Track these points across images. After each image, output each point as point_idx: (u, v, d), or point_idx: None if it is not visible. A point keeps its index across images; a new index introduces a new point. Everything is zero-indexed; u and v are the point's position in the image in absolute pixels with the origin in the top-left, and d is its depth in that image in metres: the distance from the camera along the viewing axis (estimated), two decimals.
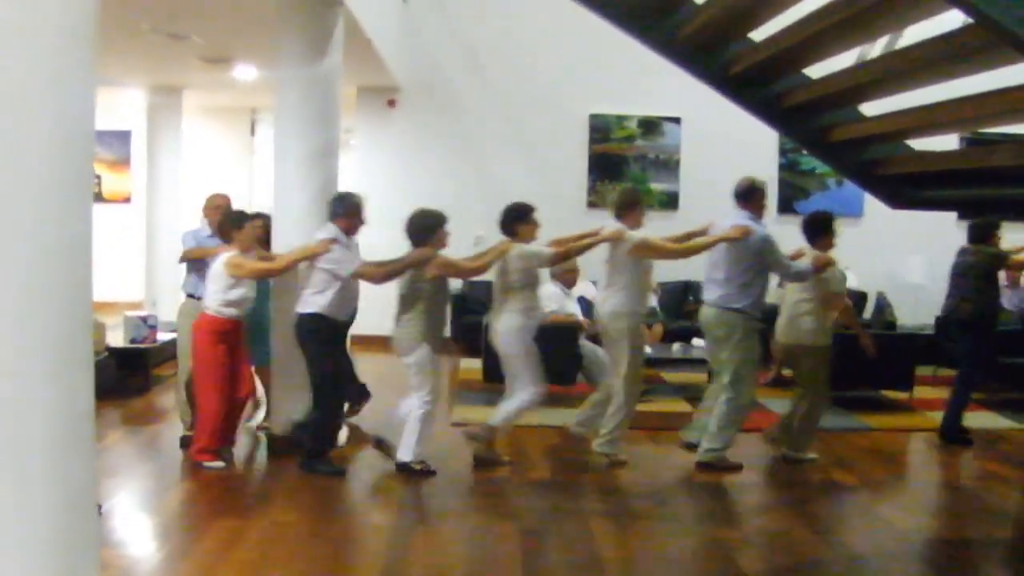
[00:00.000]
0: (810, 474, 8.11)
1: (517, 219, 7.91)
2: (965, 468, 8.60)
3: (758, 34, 6.15)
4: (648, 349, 10.30)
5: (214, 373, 7.58)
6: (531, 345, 7.84)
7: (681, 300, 12.99)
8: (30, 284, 3.38)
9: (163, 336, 11.00)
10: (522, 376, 7.85)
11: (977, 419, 9.14)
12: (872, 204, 8.60)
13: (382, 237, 13.65)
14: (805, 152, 13.20)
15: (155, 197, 14.92)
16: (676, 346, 11.31)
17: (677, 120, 14.06)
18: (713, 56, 6.56)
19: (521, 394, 7.85)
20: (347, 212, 7.77)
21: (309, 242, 7.65)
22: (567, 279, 10.36)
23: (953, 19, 4.44)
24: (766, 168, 14.10)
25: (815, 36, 5.49)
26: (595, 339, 9.41)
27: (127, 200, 17.87)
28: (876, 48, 6.02)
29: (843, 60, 5.99)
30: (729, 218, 8.09)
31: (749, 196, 8.12)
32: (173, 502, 6.87)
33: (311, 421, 7.76)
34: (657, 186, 14.09)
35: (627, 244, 7.87)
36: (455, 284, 13.14)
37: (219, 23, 10.09)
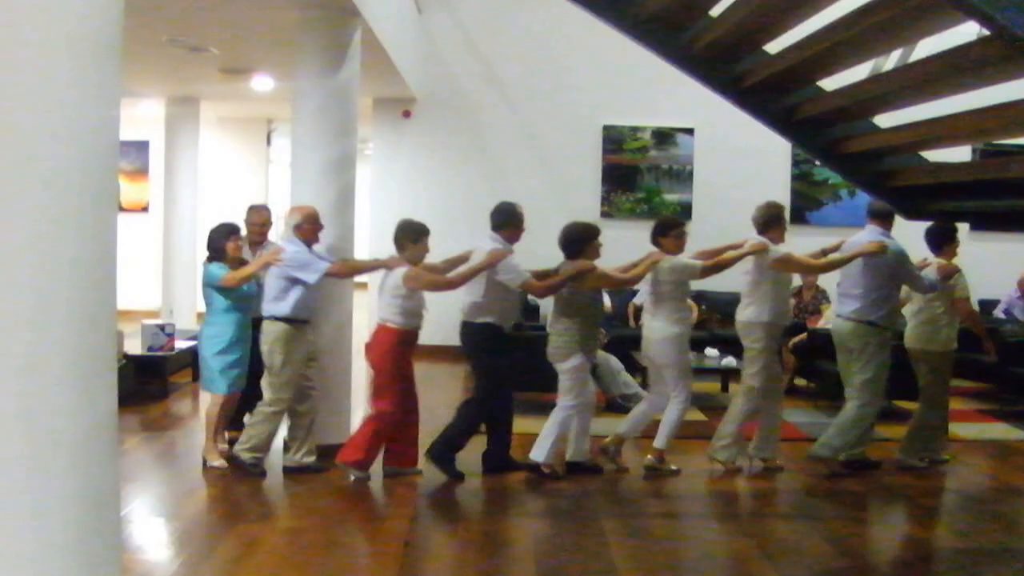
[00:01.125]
0: (819, 483, 8.09)
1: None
2: (982, 479, 8.55)
3: (772, 47, 6.16)
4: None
5: (399, 383, 7.71)
6: (685, 352, 8.10)
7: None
8: (57, 292, 3.39)
9: (180, 344, 11.04)
10: (675, 383, 8.05)
11: (992, 431, 9.09)
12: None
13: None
14: (818, 163, 13.17)
15: (172, 206, 14.97)
16: (690, 355, 11.26)
17: (690, 131, 14.05)
18: (727, 68, 6.56)
19: (675, 403, 8.05)
20: (513, 222, 8.02)
21: (478, 254, 7.91)
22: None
23: (967, 32, 4.44)
24: (778, 178, 14.13)
25: (829, 49, 5.50)
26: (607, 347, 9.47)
27: (145, 209, 17.94)
28: (890, 61, 6.03)
29: (857, 72, 5.99)
30: (864, 234, 8.28)
31: (883, 214, 8.21)
32: (191, 508, 6.89)
33: (459, 420, 7.99)
34: (670, 196, 14.08)
35: (770, 257, 8.07)
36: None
37: (238, 35, 10.13)
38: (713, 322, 12.63)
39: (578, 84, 13.92)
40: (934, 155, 7.19)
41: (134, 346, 10.54)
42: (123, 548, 5.47)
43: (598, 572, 5.88)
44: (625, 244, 12.98)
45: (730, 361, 10.60)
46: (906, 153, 7.17)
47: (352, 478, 7.61)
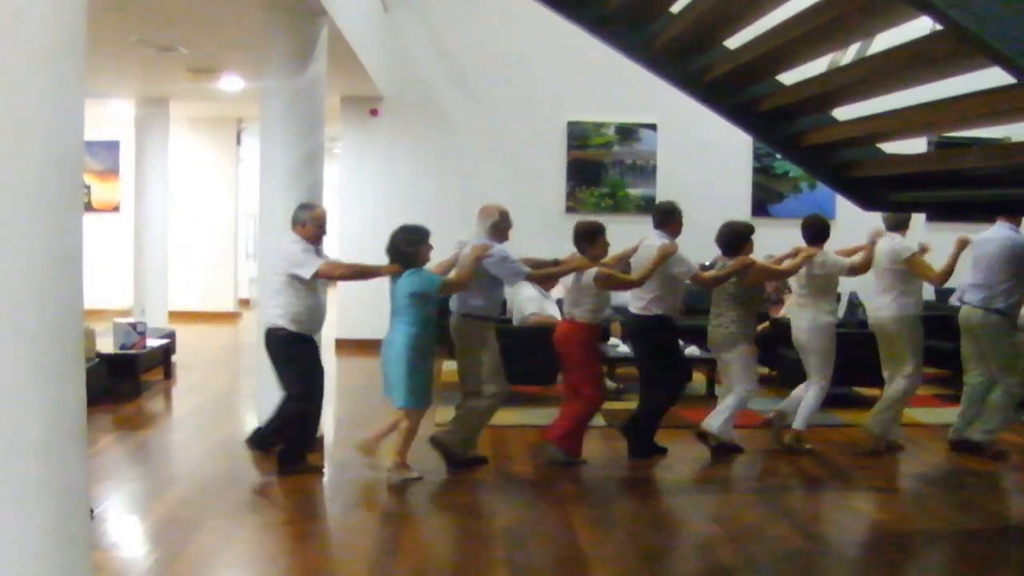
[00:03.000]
0: (785, 469, 8.15)
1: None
2: (937, 462, 8.61)
3: (732, 42, 6.16)
4: (626, 348, 10.39)
5: (594, 375, 8.03)
6: (832, 341, 8.43)
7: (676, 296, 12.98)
8: (23, 292, 3.35)
9: (152, 343, 10.97)
10: (818, 370, 8.44)
11: (951, 415, 9.13)
12: (844, 206, 8.63)
13: (365, 242, 13.66)
14: (778, 156, 13.22)
15: (143, 206, 14.85)
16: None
17: (653, 126, 14.06)
18: (688, 63, 6.56)
19: (815, 388, 8.44)
20: (676, 219, 8.33)
21: (646, 249, 8.19)
22: (547, 283, 10.39)
23: (923, 26, 4.45)
24: (740, 172, 14.18)
25: (787, 43, 5.50)
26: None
27: (116, 209, 17.84)
28: (848, 55, 6.04)
29: (816, 66, 6.00)
30: (993, 230, 8.57)
31: (1014, 210, 8.48)
32: (165, 505, 6.83)
33: (647, 409, 8.33)
34: (634, 191, 14.10)
35: (905, 255, 8.41)
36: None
37: (206, 35, 10.06)
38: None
39: (543, 81, 13.91)
40: (891, 147, 7.22)
41: (106, 345, 10.45)
42: (95, 546, 5.45)
43: (566, 561, 5.89)
44: None
45: (693, 350, 10.62)
46: (863, 145, 7.19)
47: (561, 461, 7.95)
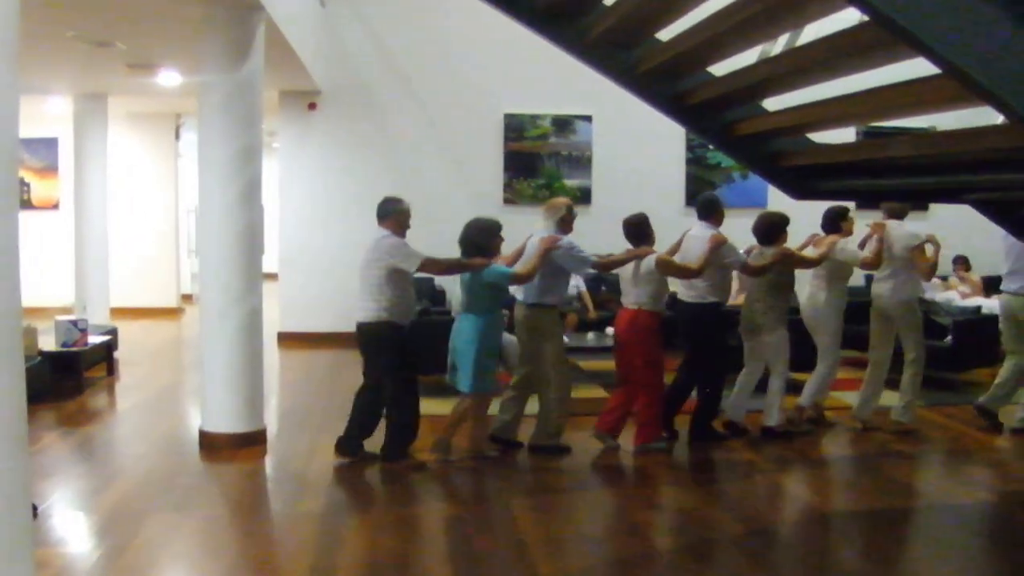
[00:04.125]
0: (720, 454, 8.23)
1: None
2: (868, 444, 8.71)
3: (664, 34, 6.17)
4: (566, 338, 10.43)
5: (657, 361, 8.20)
6: (842, 323, 8.97)
7: (595, 291, 13.01)
8: None
9: (94, 339, 10.83)
10: (828, 348, 8.98)
11: (883, 398, 9.27)
12: (775, 195, 8.72)
13: (304, 235, 13.60)
14: (711, 147, 13.31)
15: (83, 203, 14.65)
16: (591, 335, 11.33)
17: (589, 118, 14.09)
18: (621, 56, 6.57)
19: (825, 365, 9.00)
20: (719, 210, 8.65)
21: (693, 240, 8.52)
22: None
23: (851, 17, 4.47)
24: (674, 162, 14.26)
25: (718, 35, 5.52)
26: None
27: (55, 207, 17.60)
28: (778, 45, 6.07)
29: (746, 58, 6.03)
30: None
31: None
32: (109, 500, 6.75)
33: (704, 400, 8.63)
34: (570, 182, 14.12)
35: (915, 242, 8.81)
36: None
37: (143, 30, 9.92)
38: (615, 303, 12.67)
39: (480, 74, 13.89)
40: (821, 136, 7.27)
41: (48, 342, 10.30)
42: (41, 543, 5.37)
43: (507, 547, 5.89)
44: (530, 229, 13.07)
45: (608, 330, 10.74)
46: (794, 135, 7.24)
47: (662, 446, 8.29)
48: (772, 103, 6.74)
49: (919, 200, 9.31)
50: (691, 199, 14.11)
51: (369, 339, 7.56)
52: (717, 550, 6.08)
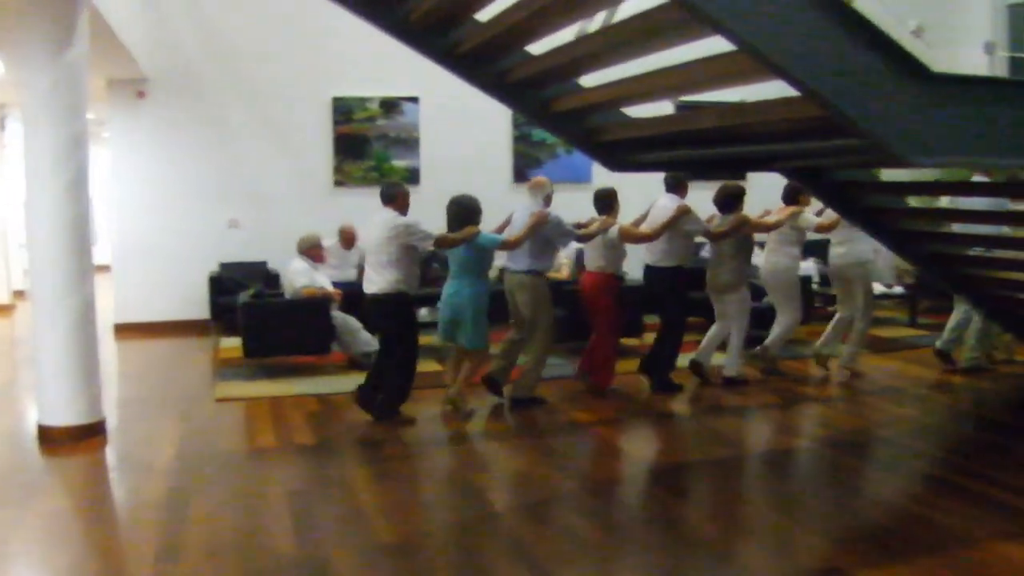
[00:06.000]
0: (551, 416, 8.45)
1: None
2: (693, 401, 9.07)
3: (483, 15, 6.31)
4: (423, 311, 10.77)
5: (618, 318, 9.22)
6: (797, 283, 9.89)
7: (428, 268, 13.12)
8: None
9: None
10: (786, 305, 9.83)
11: (718, 359, 9.70)
12: (600, 170, 8.98)
13: (145, 224, 13.39)
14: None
15: None
16: (424, 311, 11.41)
17: (416, 100, 14.16)
18: (442, 37, 6.70)
19: (785, 321, 9.85)
20: (685, 183, 9.46)
21: (658, 211, 9.24)
22: (315, 254, 10.49)
23: None
24: (500, 141, 14.42)
25: (535, 13, 5.68)
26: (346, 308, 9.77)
27: None
28: (595, 23, 6.23)
29: (565, 35, 6.20)
30: None
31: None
32: None
33: (669, 351, 9.39)
34: (399, 163, 14.13)
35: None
36: (211, 267, 12.98)
37: None
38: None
39: (308, 58, 13.76)
40: (640, 111, 7.54)
41: None
42: None
43: (349, 516, 6.00)
44: (360, 211, 13.10)
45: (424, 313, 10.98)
46: (610, 110, 7.49)
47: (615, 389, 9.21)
48: (592, 79, 6.92)
49: (735, 170, 9.74)
50: (518, 177, 14.30)
51: (385, 308, 8.10)
52: (554, 509, 6.25)
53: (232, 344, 10.96)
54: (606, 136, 7.69)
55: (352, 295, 10.95)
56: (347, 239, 12.07)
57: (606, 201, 9.12)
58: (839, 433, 8.10)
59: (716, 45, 4.75)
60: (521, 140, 14.60)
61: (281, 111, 13.70)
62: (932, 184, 9.68)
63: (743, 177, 10.69)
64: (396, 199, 8.16)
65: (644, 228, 9.20)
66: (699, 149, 7.60)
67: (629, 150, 7.97)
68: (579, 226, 9.00)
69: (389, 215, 8.08)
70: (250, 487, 6.72)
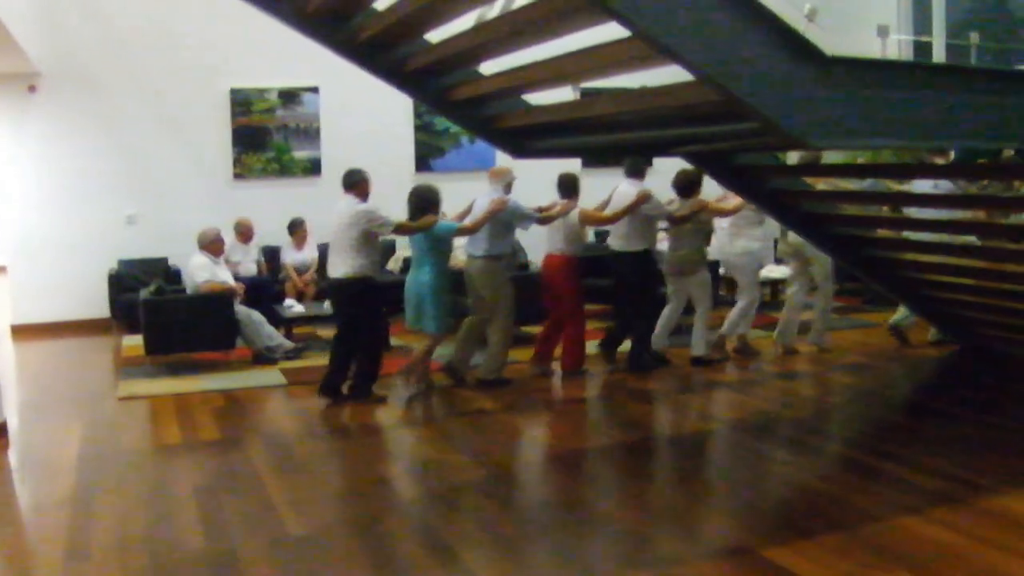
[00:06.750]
0: (457, 406, 8.45)
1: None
2: (598, 384, 9.14)
3: (381, 4, 6.27)
4: (301, 308, 10.62)
5: (581, 298, 9.40)
6: (757, 265, 10.09)
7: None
8: None
9: None
10: (747, 286, 9.90)
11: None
12: (504, 156, 8.99)
13: (42, 222, 13.09)
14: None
15: None
16: (328, 303, 11.32)
17: (316, 90, 14.01)
18: (341, 27, 6.64)
19: (743, 301, 9.88)
20: (643, 167, 9.61)
21: (620, 197, 9.36)
22: (215, 249, 10.37)
23: None
24: (402, 130, 14.32)
25: (433, 2, 5.66)
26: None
27: None
28: (494, 9, 6.21)
29: (465, 23, 6.18)
30: None
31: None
32: None
33: (638, 334, 9.50)
34: (300, 154, 13.97)
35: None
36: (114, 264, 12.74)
37: None
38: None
39: (205, 49, 13.51)
40: (542, 98, 7.54)
41: None
42: None
43: (257, 510, 5.93)
44: (261, 203, 12.92)
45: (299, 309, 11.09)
46: (510, 97, 7.49)
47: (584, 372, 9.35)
48: (493, 66, 6.90)
49: (637, 155, 9.80)
50: (420, 166, 14.26)
51: (348, 292, 8.26)
52: (463, 496, 6.26)
53: (134, 342, 10.76)
54: (505, 123, 7.69)
55: (253, 289, 10.90)
56: (244, 233, 11.88)
57: (570, 185, 9.27)
58: (750, 415, 8.18)
59: (616, 31, 4.77)
60: (423, 129, 14.53)
61: (178, 103, 13.45)
62: (827, 167, 9.82)
63: (649, 163, 10.73)
64: (357, 186, 8.32)
65: (606, 213, 9.42)
66: (602, 135, 7.64)
67: (531, 137, 7.99)
68: (541, 209, 9.18)
69: (350, 202, 8.26)
70: (157, 484, 6.62)
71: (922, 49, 14.24)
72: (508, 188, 8.95)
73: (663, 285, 9.87)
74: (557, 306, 9.33)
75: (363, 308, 8.31)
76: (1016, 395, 8.53)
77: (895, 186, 10.30)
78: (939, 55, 13.80)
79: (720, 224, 10.03)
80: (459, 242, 9.38)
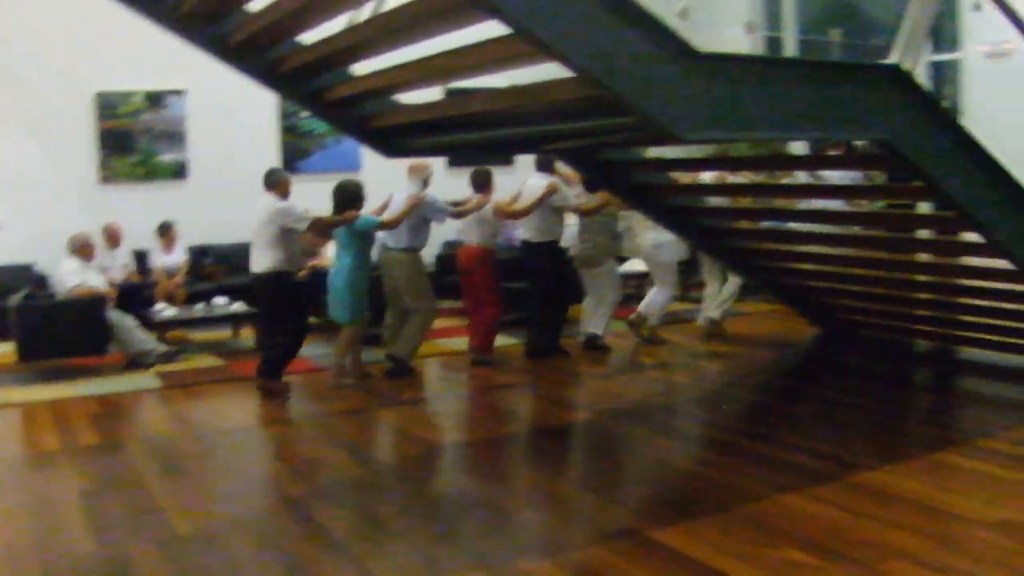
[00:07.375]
0: (335, 403, 8.51)
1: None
2: (477, 382, 9.32)
3: (254, 5, 6.28)
4: (172, 311, 10.56)
5: (496, 288, 9.73)
6: (675, 256, 10.57)
7: (199, 263, 12.90)
8: None
9: None
10: (663, 277, 10.39)
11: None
12: (370, 157, 9.11)
13: None
14: (304, 115, 13.51)
15: None
16: (200, 306, 11.26)
17: (182, 93, 13.84)
18: (213, 28, 6.64)
19: (663, 291, 10.39)
20: (552, 164, 9.96)
21: (531, 189, 9.78)
22: (86, 253, 10.26)
23: None
24: (268, 132, 14.23)
25: (306, 4, 5.71)
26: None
27: None
28: (365, 11, 6.28)
29: (338, 24, 6.24)
30: None
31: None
32: None
33: (553, 321, 9.99)
34: (166, 157, 13.77)
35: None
36: None
37: None
38: (221, 273, 12.62)
39: (69, 53, 13.18)
40: (413, 97, 7.63)
41: None
42: None
43: (145, 512, 5.92)
44: (130, 207, 12.73)
45: (240, 306, 10.96)
46: (382, 96, 7.57)
47: (484, 361, 9.69)
48: (368, 67, 6.96)
49: (509, 152, 10.06)
50: (286, 167, 14.15)
51: (267, 286, 8.51)
52: (343, 491, 6.31)
53: (5, 349, 10.52)
54: (377, 123, 7.76)
55: (124, 293, 10.77)
56: (113, 237, 11.70)
57: (482, 181, 9.59)
58: (626, 404, 8.42)
59: (493, 29, 4.88)
60: (289, 131, 14.46)
61: (40, 108, 13.12)
62: (696, 160, 10.10)
63: (511, 160, 10.91)
64: (277, 186, 8.56)
65: (517, 206, 9.76)
66: (472, 133, 7.75)
67: (403, 136, 8.07)
68: (456, 204, 9.59)
69: (269, 200, 8.48)
70: (39, 491, 6.53)
71: (774, 44, 14.83)
72: (426, 183, 9.28)
73: (573, 274, 10.22)
74: (472, 296, 9.76)
75: (282, 301, 8.56)
76: (877, 376, 8.97)
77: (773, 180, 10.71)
78: (791, 51, 14.38)
79: (627, 218, 10.52)
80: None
